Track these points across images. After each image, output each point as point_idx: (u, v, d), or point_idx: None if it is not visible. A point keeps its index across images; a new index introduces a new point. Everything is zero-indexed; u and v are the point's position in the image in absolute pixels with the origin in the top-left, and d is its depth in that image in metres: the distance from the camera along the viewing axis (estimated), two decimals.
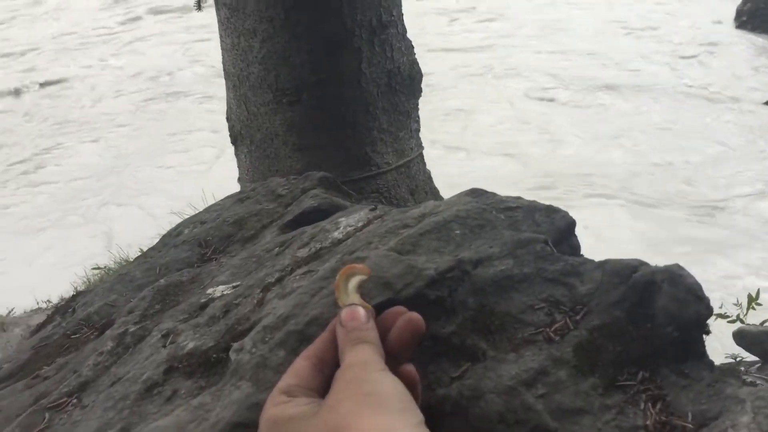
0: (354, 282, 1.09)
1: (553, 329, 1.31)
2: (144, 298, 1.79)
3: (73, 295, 2.52)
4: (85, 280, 5.30)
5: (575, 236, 1.61)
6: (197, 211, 2.81)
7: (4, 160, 11.23)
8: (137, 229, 7.65)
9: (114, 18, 17.31)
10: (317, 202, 2.23)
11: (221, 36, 4.17)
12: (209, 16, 4.38)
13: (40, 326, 2.43)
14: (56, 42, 16.06)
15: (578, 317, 1.33)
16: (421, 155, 4.70)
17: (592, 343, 1.28)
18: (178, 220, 2.76)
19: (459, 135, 10.57)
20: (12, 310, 5.46)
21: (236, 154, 4.57)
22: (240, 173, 4.64)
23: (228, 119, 4.44)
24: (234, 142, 4.47)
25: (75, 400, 1.39)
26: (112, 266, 5.50)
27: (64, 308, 2.39)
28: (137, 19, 17.20)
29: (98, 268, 5.33)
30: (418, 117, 4.58)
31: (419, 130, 4.64)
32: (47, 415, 1.37)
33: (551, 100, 11.62)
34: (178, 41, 15.46)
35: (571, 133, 10.39)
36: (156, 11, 17.37)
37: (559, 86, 12.05)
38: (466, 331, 1.27)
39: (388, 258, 1.28)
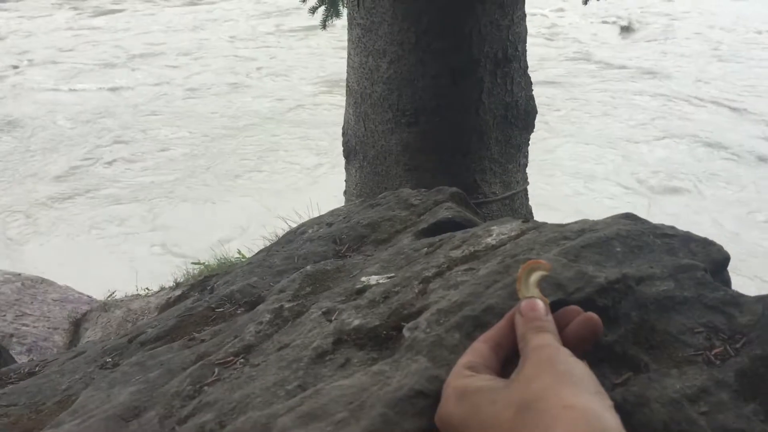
0: (535, 277, 1.16)
1: (713, 353, 1.33)
2: (294, 280, 1.90)
3: (206, 277, 2.67)
4: (184, 272, 5.53)
5: (727, 271, 1.62)
6: (301, 217, 2.94)
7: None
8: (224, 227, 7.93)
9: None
10: (451, 215, 2.31)
11: (350, 54, 4.34)
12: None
13: (175, 301, 2.59)
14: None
15: (738, 345, 1.35)
16: (526, 190, 4.74)
17: (754, 371, 1.29)
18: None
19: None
20: (113, 293, 5.76)
21: (346, 169, 4.72)
22: (347, 187, 4.78)
23: (344, 134, 4.60)
24: (347, 156, 4.62)
25: (242, 360, 1.49)
26: (207, 262, 5.72)
27: (198, 287, 2.54)
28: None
29: (197, 263, 5.56)
30: (528, 152, 4.63)
31: (527, 165, 4.69)
32: (216, 370, 1.47)
33: None
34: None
35: None
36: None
37: None
38: (627, 342, 1.31)
39: (559, 261, 1.34)
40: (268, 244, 4.87)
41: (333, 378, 1.27)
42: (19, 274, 7.99)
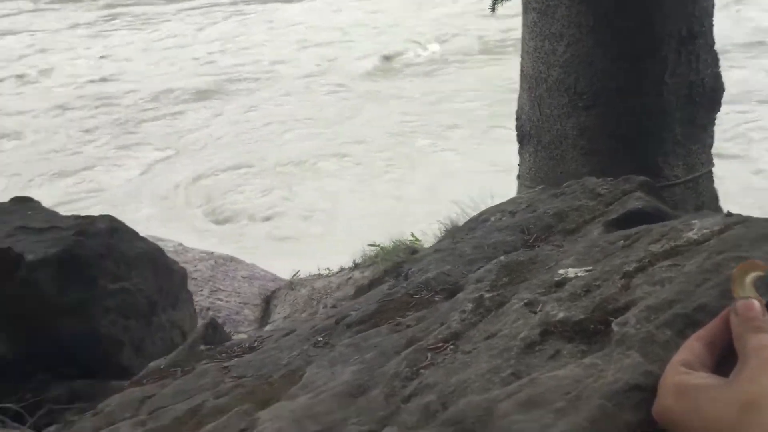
0: (750, 277, 1.17)
1: None
2: (490, 271, 2.00)
3: (397, 263, 2.86)
4: (362, 253, 5.84)
5: None
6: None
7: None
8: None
9: None
10: (642, 205, 2.30)
11: (524, 39, 4.35)
12: None
13: (370, 285, 2.80)
14: None
15: None
16: (710, 172, 4.52)
17: None
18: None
19: None
20: (297, 272, 6.21)
21: (520, 153, 4.74)
22: (521, 171, 4.81)
23: (517, 119, 4.62)
24: (521, 141, 4.64)
25: (452, 346, 1.62)
26: (384, 244, 5.98)
27: (393, 273, 2.73)
28: None
29: (373, 245, 5.85)
30: (713, 132, 4.41)
31: (712, 146, 4.47)
32: (429, 355, 1.62)
33: None
34: None
35: None
36: None
37: None
38: None
39: None
40: (442, 228, 5.03)
41: (545, 368, 1.36)
42: (212, 253, 8.78)
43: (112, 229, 4.33)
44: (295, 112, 14.32)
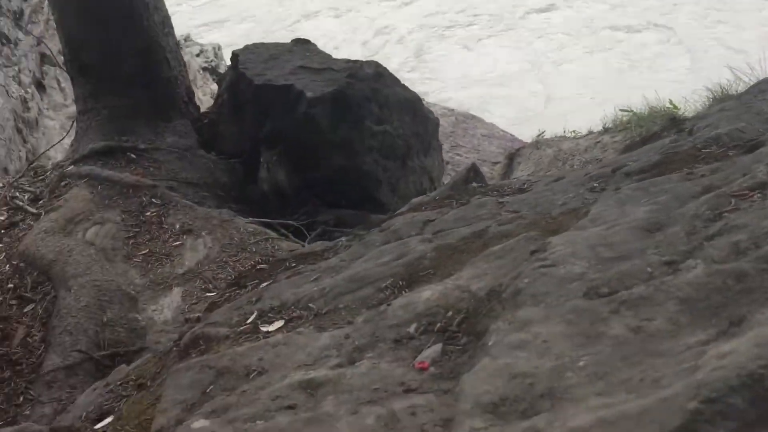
0: None
1: None
2: None
3: (676, 120, 2.77)
4: (613, 118, 5.66)
5: None
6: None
7: None
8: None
9: None
10: None
11: None
12: None
13: (644, 141, 2.76)
14: None
15: None
16: None
17: None
18: None
19: None
20: (542, 132, 6.19)
21: None
22: None
23: None
24: None
25: (759, 194, 1.59)
26: (633, 110, 5.73)
27: (672, 129, 2.66)
28: None
29: (625, 110, 5.62)
30: None
31: None
32: (732, 200, 1.60)
33: None
34: None
35: None
36: None
37: None
38: None
39: None
40: (710, 95, 4.69)
41: None
42: (453, 110, 9.00)
43: (377, 74, 4.60)
44: None
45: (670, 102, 5.42)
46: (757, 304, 1.17)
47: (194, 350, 1.88)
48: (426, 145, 5.07)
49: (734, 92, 4.26)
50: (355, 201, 4.63)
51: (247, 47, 4.66)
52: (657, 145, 2.44)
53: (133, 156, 4.15)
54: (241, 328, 1.90)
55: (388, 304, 1.73)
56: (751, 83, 4.11)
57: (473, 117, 8.18)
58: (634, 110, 5.52)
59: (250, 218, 4.02)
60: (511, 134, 7.33)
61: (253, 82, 4.32)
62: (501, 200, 2.48)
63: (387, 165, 4.67)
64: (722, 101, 3.98)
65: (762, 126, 2.18)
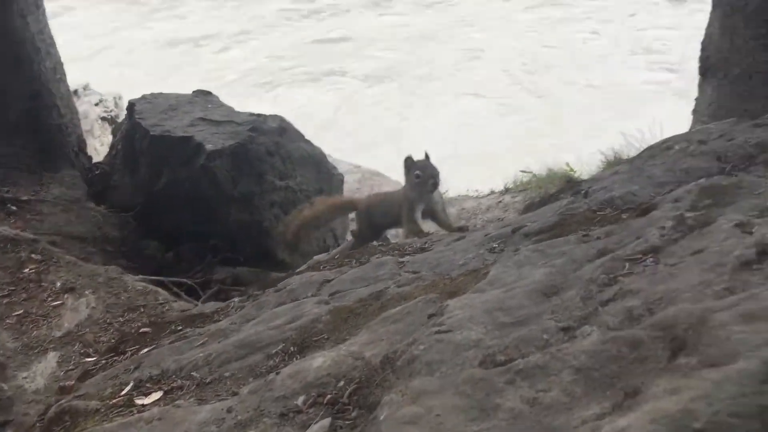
0: None
1: None
2: (690, 192, 1.93)
3: (573, 182, 2.81)
4: (514, 178, 5.79)
5: None
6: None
7: None
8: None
9: None
10: None
11: None
12: None
13: (541, 202, 2.78)
14: None
15: None
16: None
17: None
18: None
19: None
20: (446, 192, 6.27)
21: (700, 86, 4.45)
22: (697, 106, 4.52)
23: (703, 49, 4.32)
24: (703, 73, 4.34)
25: (652, 259, 1.59)
26: (532, 171, 5.89)
27: (569, 191, 2.69)
28: None
29: (525, 171, 5.77)
30: None
31: None
32: (626, 265, 1.60)
33: None
34: None
35: None
36: None
37: None
38: None
39: None
40: (604, 158, 4.87)
41: (765, 286, 1.30)
42: (359, 166, 8.99)
43: (281, 129, 4.53)
44: None
45: (567, 164, 5.60)
46: (652, 375, 1.13)
47: (58, 427, 1.69)
48: None
49: (626, 156, 4.44)
50: (254, 257, 4.48)
51: (144, 97, 4.50)
52: (555, 207, 2.46)
53: (13, 208, 3.88)
54: (114, 400, 1.73)
55: (277, 373, 1.61)
56: (642, 148, 4.30)
57: (379, 174, 8.19)
58: (534, 171, 5.68)
59: (141, 276, 3.79)
60: None
61: (150, 132, 4.15)
62: (401, 260, 2.42)
63: None
64: (616, 164, 4.13)
65: (653, 190, 2.22)
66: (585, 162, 5.40)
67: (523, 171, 5.78)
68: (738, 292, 1.32)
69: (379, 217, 3.23)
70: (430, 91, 12.30)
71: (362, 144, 10.31)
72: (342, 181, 5.16)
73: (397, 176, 8.18)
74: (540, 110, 10.80)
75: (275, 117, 4.58)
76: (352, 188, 8.38)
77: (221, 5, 17.13)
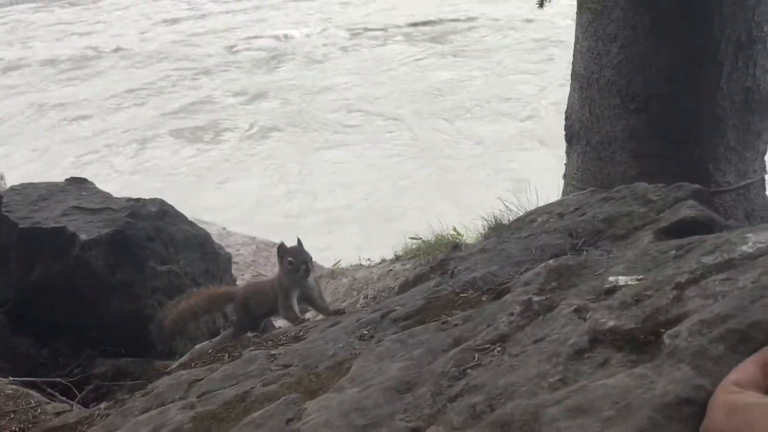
0: None
1: None
2: (539, 274, 2.01)
3: (443, 260, 2.88)
4: (403, 246, 5.87)
5: None
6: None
7: None
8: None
9: None
10: (695, 214, 2.29)
11: (577, 38, 4.31)
12: None
13: (415, 281, 2.83)
14: None
15: None
16: (763, 180, 4.43)
17: None
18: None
19: None
20: (338, 262, 6.27)
21: (567, 153, 4.71)
22: (567, 171, 4.77)
23: (567, 118, 4.59)
24: (569, 141, 4.60)
25: (500, 348, 1.64)
26: (425, 238, 6.00)
27: (438, 270, 2.76)
28: None
29: (415, 238, 5.87)
30: None
31: (765, 153, 4.38)
32: (476, 355, 1.64)
33: None
34: None
35: None
36: None
37: None
38: None
39: None
40: (485, 225, 5.03)
41: (594, 376, 1.37)
42: (254, 238, 8.91)
43: (162, 212, 4.44)
44: None
45: (454, 229, 5.76)
46: None
47: None
48: (218, 282, 4.90)
49: (507, 221, 4.60)
50: (138, 347, 4.31)
51: (13, 188, 4.33)
52: (423, 288, 2.51)
53: None
54: None
55: None
56: (519, 213, 4.48)
57: (275, 244, 8.12)
58: (422, 238, 5.79)
59: (10, 378, 3.56)
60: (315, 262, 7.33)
61: (18, 225, 3.97)
62: (274, 352, 2.39)
63: None
64: (496, 229, 4.27)
65: (512, 269, 2.31)
66: (469, 227, 5.57)
67: (412, 238, 5.88)
68: (570, 384, 1.38)
69: (255, 306, 3.20)
70: (312, 148, 12.46)
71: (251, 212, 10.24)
72: (230, 260, 5.09)
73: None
74: (426, 168, 11.10)
75: (155, 200, 4.50)
76: (247, 261, 8.28)
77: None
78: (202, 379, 2.31)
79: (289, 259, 3.07)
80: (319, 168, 11.69)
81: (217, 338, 3.47)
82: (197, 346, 3.49)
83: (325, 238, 8.58)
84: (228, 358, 2.49)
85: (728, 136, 4.03)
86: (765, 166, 4.35)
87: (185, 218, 4.64)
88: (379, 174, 11.11)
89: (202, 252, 4.66)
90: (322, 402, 1.68)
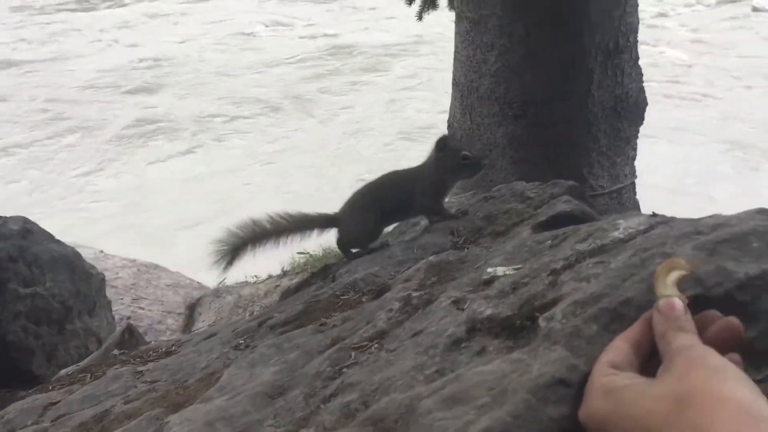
0: (673, 276, 1.16)
1: None
2: (419, 270, 1.96)
3: (326, 266, 2.78)
4: (291, 261, 5.73)
5: None
6: None
7: None
8: None
9: None
10: (570, 208, 2.31)
11: (457, 47, 4.37)
12: None
13: (297, 288, 2.71)
14: None
15: None
16: (633, 183, 4.63)
17: None
18: None
19: None
20: (223, 280, 6.04)
21: None
22: None
23: (449, 126, 4.63)
24: None
25: (377, 345, 1.56)
26: (313, 252, 5.89)
27: (320, 275, 2.66)
28: None
29: (303, 252, 5.75)
30: (636, 145, 4.52)
31: (635, 158, 4.59)
32: (353, 354, 1.56)
33: None
34: None
35: None
36: None
37: None
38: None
39: (697, 256, 1.34)
40: None
41: (471, 364, 1.31)
42: (135, 260, 8.47)
43: (25, 231, 4.11)
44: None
45: None
46: None
47: None
48: (91, 304, 4.59)
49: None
50: (4, 377, 3.94)
51: None
52: (303, 294, 2.41)
53: None
54: None
55: None
56: None
57: (157, 267, 7.78)
58: (310, 252, 5.68)
59: None
60: (197, 282, 7.08)
61: None
62: (141, 369, 2.21)
63: (40, 331, 4.10)
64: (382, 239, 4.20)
65: (393, 269, 2.25)
66: None
67: (299, 252, 5.76)
68: (447, 374, 1.32)
69: (386, 202, 2.68)
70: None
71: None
72: (103, 281, 4.78)
73: (176, 266, 7.82)
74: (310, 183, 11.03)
75: (17, 218, 4.15)
76: (127, 284, 7.86)
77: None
78: (58, 401, 2.09)
79: (465, 153, 2.61)
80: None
81: (86, 360, 3.21)
82: (62, 372, 3.22)
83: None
84: (90, 378, 2.28)
85: (600, 141, 4.18)
86: (635, 171, 4.56)
87: (51, 236, 4.31)
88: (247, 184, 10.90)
89: (72, 272, 4.34)
90: (186, 414, 1.54)
